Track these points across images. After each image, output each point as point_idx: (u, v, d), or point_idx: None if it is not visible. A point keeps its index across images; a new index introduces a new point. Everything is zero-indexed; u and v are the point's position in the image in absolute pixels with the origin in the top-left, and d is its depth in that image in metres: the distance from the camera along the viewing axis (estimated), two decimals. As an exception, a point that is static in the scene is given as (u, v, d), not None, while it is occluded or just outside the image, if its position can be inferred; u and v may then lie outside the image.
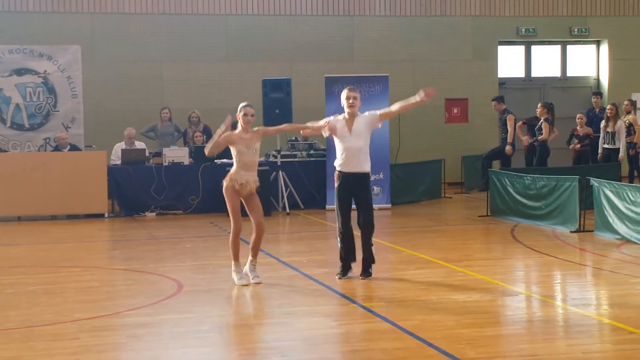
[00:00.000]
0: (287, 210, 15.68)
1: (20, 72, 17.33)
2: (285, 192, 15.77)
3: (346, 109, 9.42)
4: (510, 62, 21.82)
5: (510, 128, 17.27)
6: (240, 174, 9.11)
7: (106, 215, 15.55)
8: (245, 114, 9.30)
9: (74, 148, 16.55)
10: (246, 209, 9.17)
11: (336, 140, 9.42)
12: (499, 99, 17.74)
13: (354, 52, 20.55)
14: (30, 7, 18.92)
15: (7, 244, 12.81)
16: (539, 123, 16.73)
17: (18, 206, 15.27)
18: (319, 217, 15.06)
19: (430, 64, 20.89)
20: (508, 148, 17.41)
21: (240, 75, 19.71)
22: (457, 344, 6.64)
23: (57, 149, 16.52)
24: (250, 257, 9.25)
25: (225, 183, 9.18)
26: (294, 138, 17.16)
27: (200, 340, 7.14)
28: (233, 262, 9.22)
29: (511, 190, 14.15)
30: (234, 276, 9.17)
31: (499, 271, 10.33)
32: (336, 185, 9.41)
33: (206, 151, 9.33)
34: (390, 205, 16.28)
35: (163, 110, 17.37)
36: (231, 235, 9.15)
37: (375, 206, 15.96)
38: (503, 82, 21.57)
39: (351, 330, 7.20)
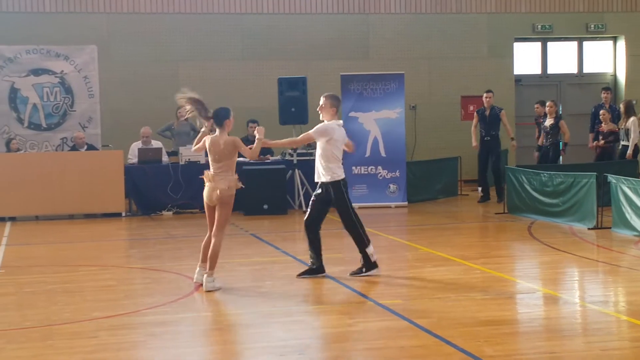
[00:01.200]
0: (304, 209, 15.67)
1: (37, 72, 17.41)
2: (302, 190, 15.78)
3: None
4: (526, 59, 21.75)
5: (508, 124, 17.02)
6: None
7: (123, 214, 15.61)
8: None
9: (90, 148, 16.61)
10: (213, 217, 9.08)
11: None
12: (493, 94, 17.30)
13: (369, 50, 20.54)
14: (46, 7, 19.01)
15: (25, 244, 12.87)
16: (551, 122, 16.55)
17: (36, 206, 15.35)
18: (335, 215, 15.00)
19: (445, 62, 20.85)
20: (514, 143, 17.16)
21: (256, 74, 19.74)
22: (475, 341, 6.63)
23: (74, 148, 16.59)
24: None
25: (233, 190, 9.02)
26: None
27: (218, 338, 7.17)
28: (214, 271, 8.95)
29: (528, 188, 14.11)
30: (216, 284, 8.92)
31: (516, 268, 10.31)
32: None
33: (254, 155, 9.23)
34: (406, 203, 16.27)
35: (179, 109, 17.39)
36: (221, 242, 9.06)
37: (391, 204, 16.15)
38: (519, 79, 21.51)
39: (368, 328, 7.20)
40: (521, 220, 13.85)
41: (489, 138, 16.76)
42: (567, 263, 10.32)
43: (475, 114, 17.22)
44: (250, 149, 9.06)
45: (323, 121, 9.42)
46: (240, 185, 9.11)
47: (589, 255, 10.66)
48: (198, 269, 9.08)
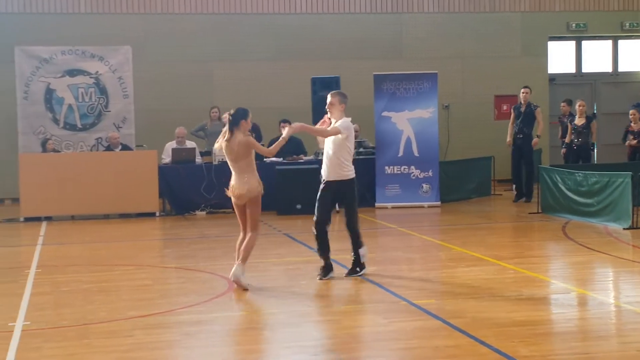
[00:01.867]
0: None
1: (72, 73, 17.58)
2: (335, 190, 15.77)
3: None
4: (560, 57, 21.62)
5: (542, 121, 16.86)
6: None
7: (157, 214, 15.72)
8: None
9: (125, 148, 16.74)
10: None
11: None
12: (531, 90, 17.14)
13: (402, 50, 20.52)
14: (82, 9, 19.19)
15: (61, 243, 13.00)
16: (582, 122, 16.43)
17: (72, 205, 15.49)
18: (369, 215, 15.06)
19: (479, 61, 20.78)
20: (536, 140, 16.88)
21: (289, 74, 19.79)
22: (510, 341, 6.60)
23: (109, 148, 16.73)
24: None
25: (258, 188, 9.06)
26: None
27: (252, 338, 7.20)
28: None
29: (562, 187, 14.02)
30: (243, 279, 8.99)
31: (550, 268, 10.26)
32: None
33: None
34: (439, 202, 16.22)
35: (212, 109, 17.50)
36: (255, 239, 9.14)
37: (424, 204, 16.11)
38: (553, 78, 21.39)
39: (402, 328, 7.19)
40: (555, 220, 13.77)
41: (521, 135, 16.62)
42: (602, 263, 10.24)
43: (511, 110, 17.07)
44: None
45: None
46: (260, 189, 9.03)
47: (624, 255, 10.57)
48: (235, 265, 9.06)
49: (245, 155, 8.98)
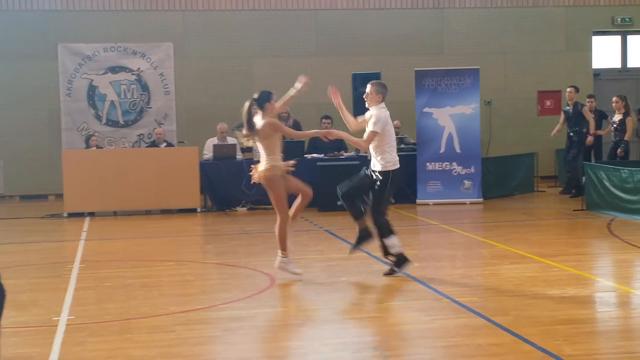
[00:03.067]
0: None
1: (114, 69, 17.72)
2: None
3: None
4: (605, 52, 21.34)
5: (591, 119, 16.68)
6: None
7: (199, 210, 15.78)
8: None
9: (168, 144, 16.83)
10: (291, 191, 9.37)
11: None
12: (578, 89, 17.01)
13: (443, 45, 20.39)
14: (124, 6, 19.31)
15: (104, 239, 13.10)
16: (619, 118, 16.17)
17: (114, 201, 15.61)
18: (410, 212, 14.99)
19: (521, 56, 20.59)
20: (590, 139, 16.71)
21: (330, 70, 19.74)
22: (554, 340, 6.52)
23: (153, 144, 16.82)
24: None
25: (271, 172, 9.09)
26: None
27: (294, 334, 7.18)
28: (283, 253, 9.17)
29: (607, 184, 13.83)
30: (292, 267, 9.15)
31: (595, 266, 10.13)
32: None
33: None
34: (482, 199, 16.11)
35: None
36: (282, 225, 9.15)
37: (466, 200, 16.00)
38: (597, 73, 21.12)
39: (444, 326, 7.13)
40: (600, 217, 13.60)
41: (572, 134, 16.54)
42: (648, 261, 10.10)
43: (562, 112, 17.07)
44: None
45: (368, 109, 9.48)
46: (285, 167, 9.21)
47: (671, 253, 10.41)
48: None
49: (266, 136, 9.06)
